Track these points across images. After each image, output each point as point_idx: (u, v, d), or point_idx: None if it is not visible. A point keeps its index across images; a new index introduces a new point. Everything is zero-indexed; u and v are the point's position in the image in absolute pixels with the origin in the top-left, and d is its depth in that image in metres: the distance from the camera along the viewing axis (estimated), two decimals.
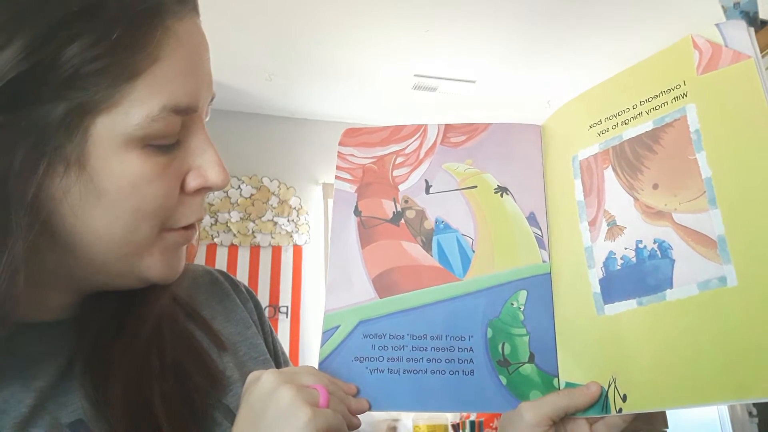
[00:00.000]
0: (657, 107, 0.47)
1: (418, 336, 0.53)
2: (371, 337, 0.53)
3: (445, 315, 0.54)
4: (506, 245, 0.56)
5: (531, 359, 0.52)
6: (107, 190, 0.42)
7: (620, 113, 0.49)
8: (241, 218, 3.41)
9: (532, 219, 0.56)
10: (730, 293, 0.41)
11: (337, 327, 0.54)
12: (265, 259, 3.40)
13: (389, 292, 0.55)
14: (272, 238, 3.45)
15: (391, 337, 0.53)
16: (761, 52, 0.40)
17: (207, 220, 3.26)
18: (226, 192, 3.41)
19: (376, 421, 2.49)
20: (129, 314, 0.50)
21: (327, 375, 0.49)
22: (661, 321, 0.45)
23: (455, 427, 2.42)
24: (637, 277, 0.47)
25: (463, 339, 0.53)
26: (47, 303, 0.48)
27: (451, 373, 0.52)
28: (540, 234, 0.56)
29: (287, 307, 3.29)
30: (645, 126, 0.47)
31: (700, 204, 0.43)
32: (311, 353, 3.26)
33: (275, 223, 3.47)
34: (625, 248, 0.48)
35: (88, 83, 0.40)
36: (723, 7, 1.66)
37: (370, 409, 0.51)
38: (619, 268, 0.48)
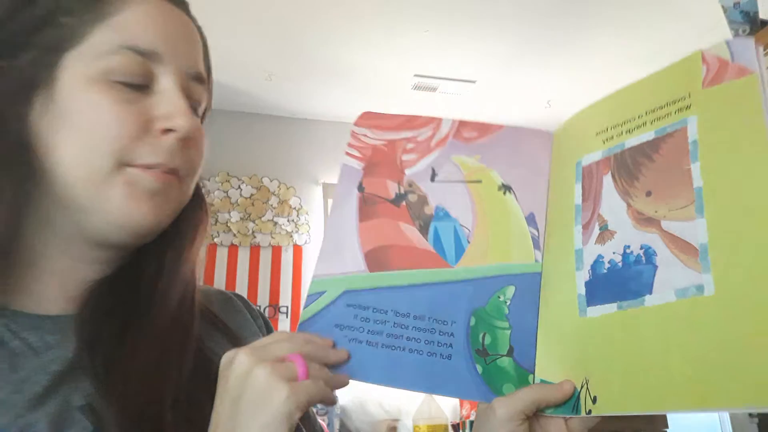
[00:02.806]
0: (660, 117, 0.48)
1: (401, 313, 0.53)
2: (355, 307, 0.53)
3: (431, 297, 0.54)
4: (502, 241, 0.56)
5: (510, 353, 0.53)
6: (74, 121, 0.47)
7: (626, 122, 0.50)
8: (241, 218, 3.41)
9: (531, 219, 0.57)
10: (706, 302, 0.41)
11: (323, 293, 0.54)
12: (265, 259, 3.40)
13: (379, 267, 0.55)
14: (272, 238, 3.44)
15: (375, 310, 0.53)
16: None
17: None
18: (226, 192, 3.41)
19: (376, 421, 2.43)
20: (136, 316, 0.51)
21: (302, 334, 0.50)
22: (637, 326, 0.45)
23: (455, 427, 2.39)
24: (620, 282, 0.47)
25: (445, 323, 0.53)
26: (62, 290, 0.51)
27: (429, 354, 0.52)
28: (536, 235, 0.56)
29: (287, 307, 3.27)
30: (647, 135, 0.48)
31: (688, 212, 0.44)
32: None
33: (275, 223, 3.47)
34: (614, 252, 0.49)
35: (61, 23, 0.47)
36: (723, 7, 1.65)
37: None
38: (605, 271, 0.49)
